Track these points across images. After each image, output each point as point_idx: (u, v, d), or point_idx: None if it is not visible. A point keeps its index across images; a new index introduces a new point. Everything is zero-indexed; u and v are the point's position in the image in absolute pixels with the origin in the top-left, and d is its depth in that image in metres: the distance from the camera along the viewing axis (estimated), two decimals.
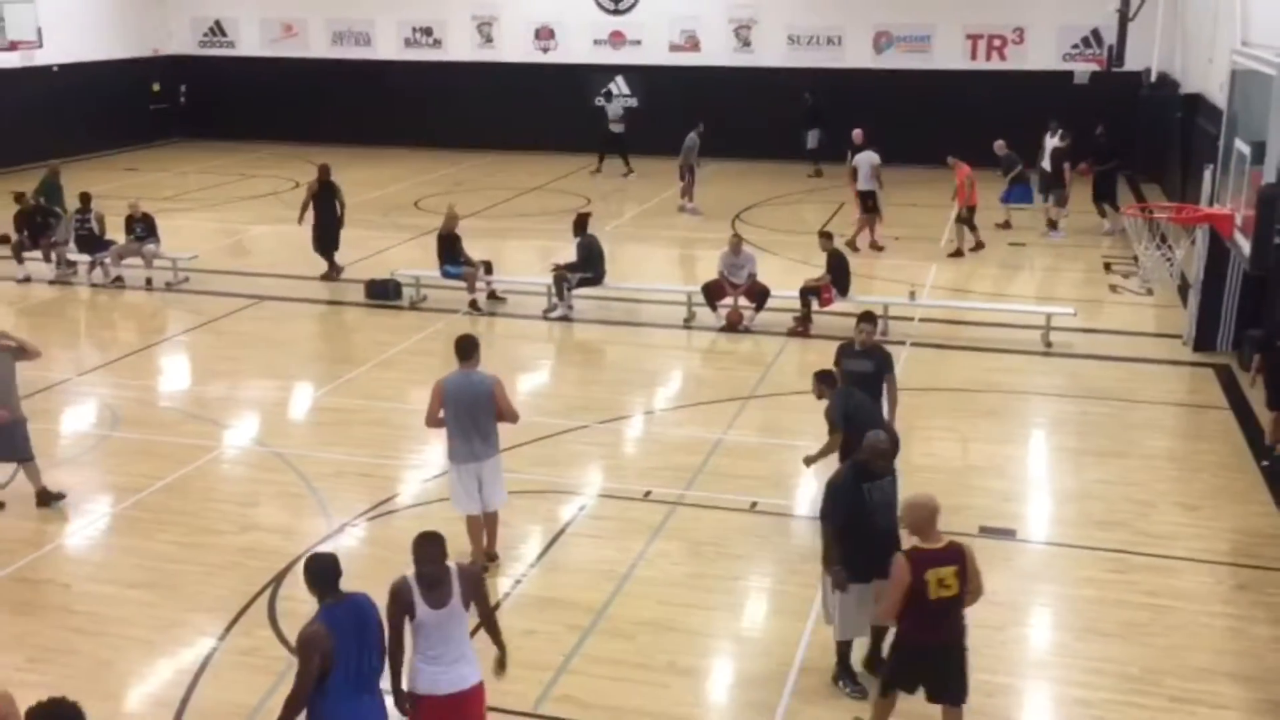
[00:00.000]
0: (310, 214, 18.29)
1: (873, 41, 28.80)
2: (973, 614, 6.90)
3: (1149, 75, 25.87)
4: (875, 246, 20.13)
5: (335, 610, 5.89)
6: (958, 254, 19.79)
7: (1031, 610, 8.93)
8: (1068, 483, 11.14)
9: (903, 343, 15.09)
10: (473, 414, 8.86)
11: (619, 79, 30.48)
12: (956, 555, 6.67)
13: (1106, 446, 11.89)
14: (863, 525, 7.43)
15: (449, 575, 6.20)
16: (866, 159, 20.27)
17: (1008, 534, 9.96)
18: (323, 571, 5.96)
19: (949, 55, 28.29)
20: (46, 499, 10.49)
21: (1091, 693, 7.77)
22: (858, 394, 9.56)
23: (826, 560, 7.62)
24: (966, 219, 19.86)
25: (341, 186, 18.64)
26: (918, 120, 27.50)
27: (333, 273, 18.41)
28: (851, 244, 19.62)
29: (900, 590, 6.60)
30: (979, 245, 20.00)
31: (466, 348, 8.96)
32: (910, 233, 21.55)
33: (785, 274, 17.13)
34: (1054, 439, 12.30)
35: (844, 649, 7.80)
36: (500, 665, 6.62)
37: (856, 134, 21.91)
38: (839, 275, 15.74)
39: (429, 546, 6.14)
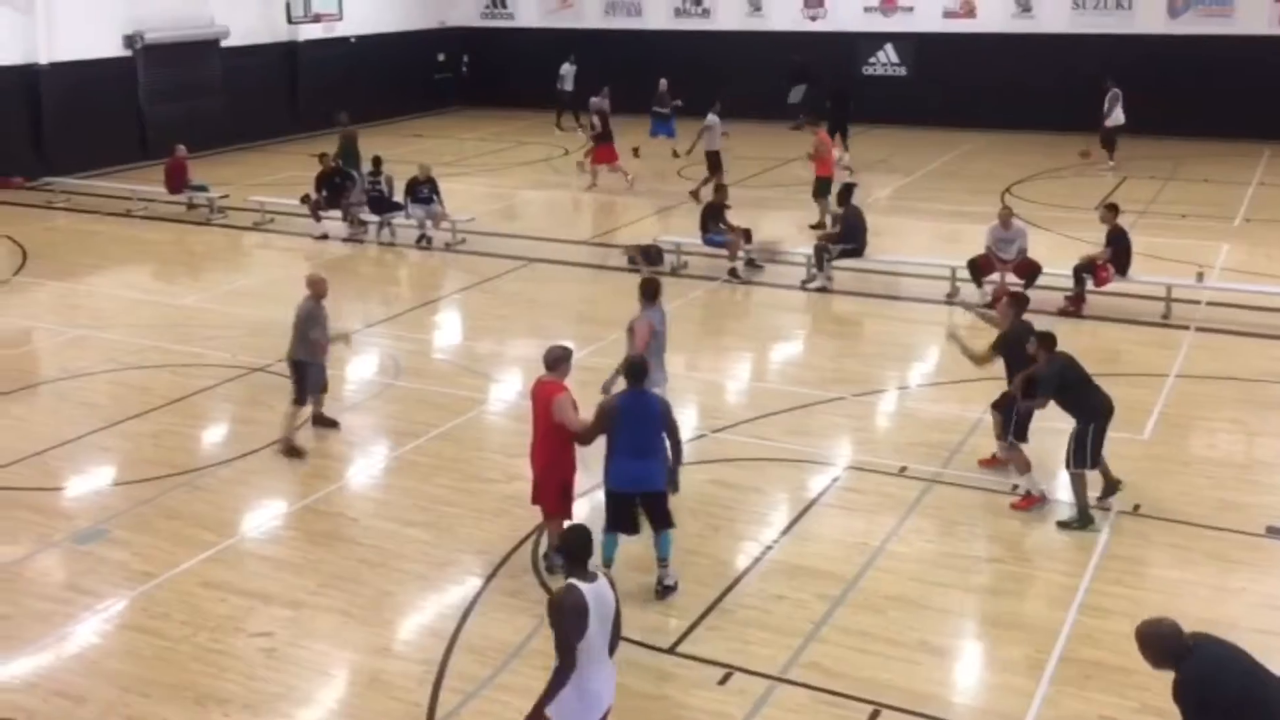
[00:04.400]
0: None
1: (1168, 4, 26.93)
2: (1256, 619, 6.46)
3: None
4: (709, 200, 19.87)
5: (628, 397, 8.44)
6: (819, 226, 18.92)
7: None
8: None
9: (1187, 327, 14.19)
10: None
11: (888, 47, 29.82)
12: None
13: None
14: None
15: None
16: (711, 121, 21.55)
17: None
18: (634, 369, 8.51)
19: (1253, 19, 26.09)
20: (323, 421, 11.75)
21: None
22: (1079, 367, 9.63)
23: None
24: (822, 191, 19.24)
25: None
26: (1216, 91, 25.60)
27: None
28: (695, 195, 20.73)
29: None
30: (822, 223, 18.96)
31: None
32: (1200, 210, 20.15)
33: (1057, 250, 16.38)
34: None
35: None
36: None
37: None
38: (1119, 252, 14.90)
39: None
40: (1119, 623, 8.13)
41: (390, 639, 8.23)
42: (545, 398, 8.57)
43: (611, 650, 6.08)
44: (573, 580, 5.88)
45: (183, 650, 8.07)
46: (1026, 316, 10.51)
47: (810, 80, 28.06)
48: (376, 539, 9.57)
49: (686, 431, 11.24)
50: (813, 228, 19.18)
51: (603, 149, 23.00)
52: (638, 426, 8.36)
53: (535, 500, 8.90)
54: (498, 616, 8.42)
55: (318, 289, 11.38)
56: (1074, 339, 14.13)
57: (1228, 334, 14.04)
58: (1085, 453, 9.37)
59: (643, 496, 8.51)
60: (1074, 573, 8.80)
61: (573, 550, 5.96)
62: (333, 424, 11.72)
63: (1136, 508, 9.72)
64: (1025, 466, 9.93)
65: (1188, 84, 25.81)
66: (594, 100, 24.18)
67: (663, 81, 26.04)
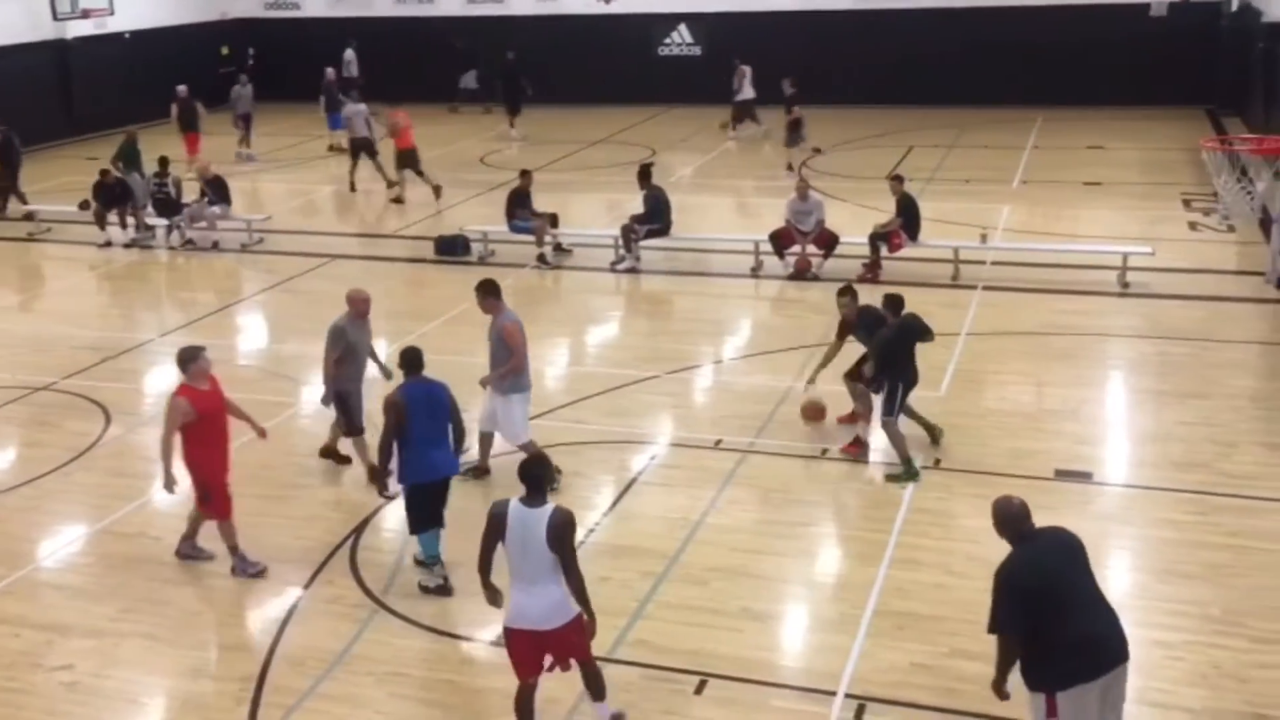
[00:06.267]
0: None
1: None
2: None
3: (1230, 5, 25.03)
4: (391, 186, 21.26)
5: (412, 387, 8.30)
6: (398, 200, 20.54)
7: (1110, 552, 8.82)
8: (1146, 424, 10.96)
9: (974, 287, 14.90)
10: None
11: (681, 27, 30.21)
12: None
13: (1187, 387, 11.66)
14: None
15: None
16: (360, 110, 21.72)
17: (1084, 477, 9.84)
18: (409, 359, 8.38)
19: None
20: (333, 455, 10.67)
21: (1172, 634, 7.70)
22: (912, 338, 10.10)
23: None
24: (411, 164, 20.58)
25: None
26: (986, 59, 26.97)
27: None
28: (352, 186, 21.75)
29: None
30: (400, 197, 20.72)
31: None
32: (981, 174, 21.19)
33: (854, 220, 16.95)
34: (1132, 381, 12.09)
35: None
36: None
37: None
38: (909, 219, 15.53)
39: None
40: (928, 573, 8.51)
41: (203, 659, 7.90)
42: None
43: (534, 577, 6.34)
44: (514, 498, 6.41)
45: None
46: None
47: (479, 64, 29.21)
48: None
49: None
50: (394, 201, 20.60)
51: (189, 138, 23.30)
52: (430, 415, 8.29)
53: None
54: (318, 625, 8.17)
55: (356, 306, 10.05)
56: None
57: (1011, 291, 14.81)
58: (895, 403, 9.91)
59: (444, 484, 8.48)
60: (883, 529, 9.14)
61: (526, 477, 6.43)
62: (344, 460, 10.51)
63: (938, 462, 10.16)
64: (868, 417, 10.46)
65: (961, 54, 27.10)
66: (180, 89, 24.27)
67: (329, 71, 25.88)
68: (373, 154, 21.45)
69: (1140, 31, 26.22)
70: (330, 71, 26.01)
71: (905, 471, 9.90)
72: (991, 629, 5.90)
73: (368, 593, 8.51)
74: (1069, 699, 5.75)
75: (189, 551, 9.01)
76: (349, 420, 10.19)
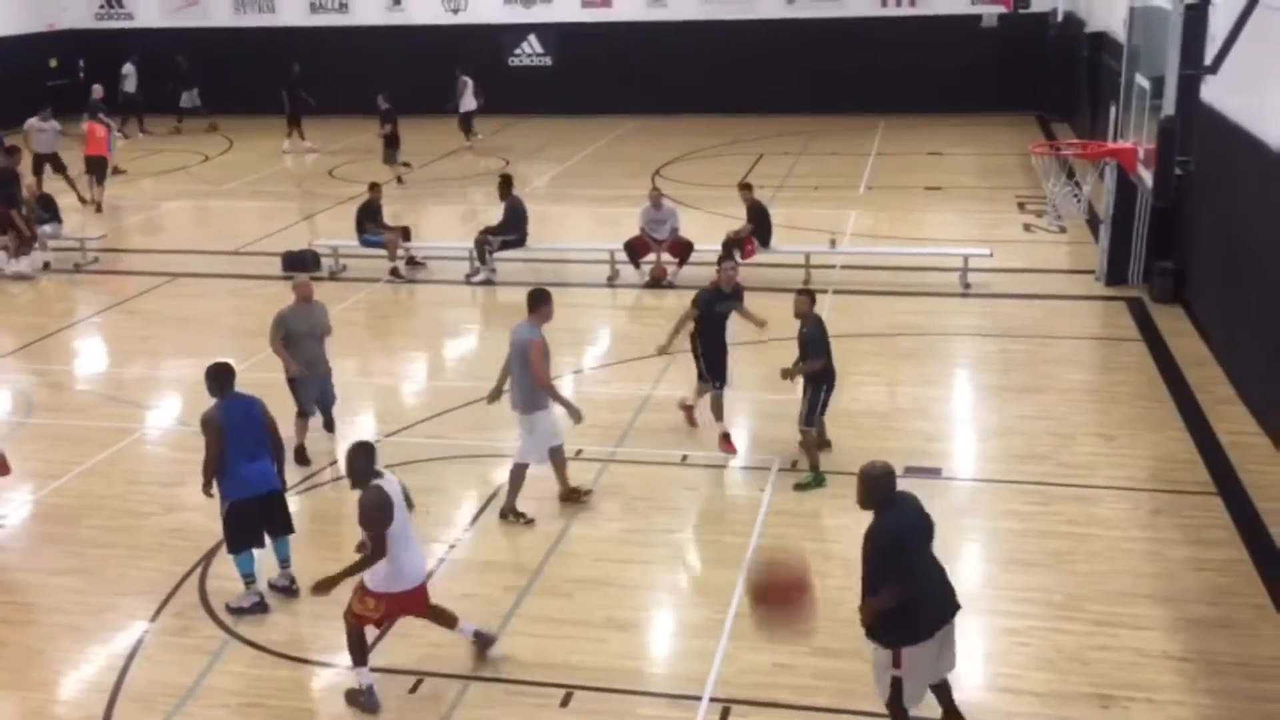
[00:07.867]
0: None
1: None
2: None
3: (1056, 15, 26.26)
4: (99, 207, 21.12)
5: (229, 404, 8.28)
6: (99, 209, 20.90)
7: (958, 545, 9.10)
8: (990, 420, 11.37)
9: (825, 290, 15.23)
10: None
11: (531, 38, 30.18)
12: None
13: (1026, 383, 12.14)
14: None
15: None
16: (48, 126, 21.66)
17: (933, 473, 10.14)
18: (217, 376, 8.32)
19: (860, 3, 28.35)
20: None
21: (1018, 621, 7.99)
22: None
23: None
24: (96, 170, 21.09)
25: None
26: (830, 69, 27.69)
27: None
28: (95, 202, 21.05)
29: None
30: (98, 203, 21.10)
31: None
32: (830, 181, 21.71)
33: (707, 227, 17.16)
34: (975, 378, 12.53)
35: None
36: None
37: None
38: (760, 226, 15.81)
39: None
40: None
41: (43, 700, 7.50)
42: None
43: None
44: (375, 482, 7.05)
45: None
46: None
47: (199, 84, 29.30)
48: (17, 594, 8.68)
49: (363, 437, 10.94)
50: (89, 204, 20.77)
51: None
52: (245, 432, 8.22)
53: None
54: (165, 659, 7.85)
55: (298, 290, 10.64)
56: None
57: (861, 294, 15.20)
58: (815, 413, 9.95)
59: (264, 500, 8.32)
60: (743, 532, 9.26)
61: (356, 466, 7.10)
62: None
63: (794, 464, 10.33)
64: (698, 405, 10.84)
65: (805, 64, 27.79)
66: None
67: (96, 88, 24.83)
68: (60, 168, 21.33)
69: (973, 42, 27.33)
70: (97, 88, 24.72)
71: (814, 479, 9.94)
72: (873, 591, 6.23)
73: (218, 623, 8.22)
74: (913, 654, 6.33)
75: None
76: (297, 401, 10.60)
